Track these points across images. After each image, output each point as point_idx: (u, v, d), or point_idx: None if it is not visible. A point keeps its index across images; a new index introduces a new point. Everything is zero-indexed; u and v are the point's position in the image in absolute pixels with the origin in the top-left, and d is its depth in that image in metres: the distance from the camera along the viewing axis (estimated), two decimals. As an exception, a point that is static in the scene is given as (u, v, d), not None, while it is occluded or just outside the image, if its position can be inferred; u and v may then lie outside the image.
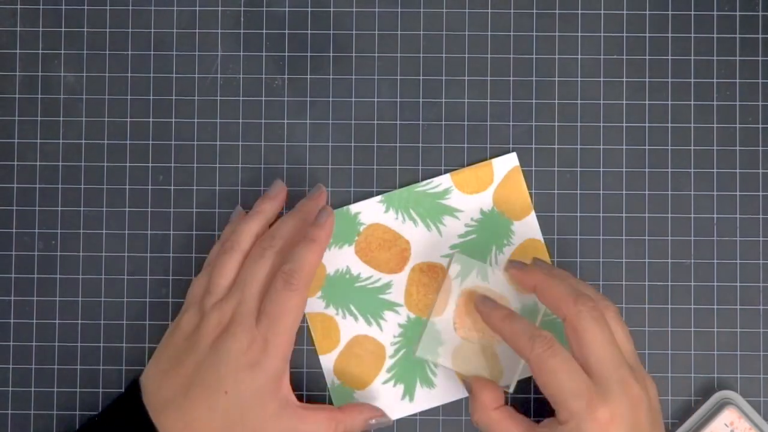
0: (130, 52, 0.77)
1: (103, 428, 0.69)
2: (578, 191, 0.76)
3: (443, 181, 0.76)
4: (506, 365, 0.73)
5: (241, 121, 0.77)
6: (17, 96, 0.77)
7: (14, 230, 0.77)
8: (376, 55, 0.77)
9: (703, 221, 0.76)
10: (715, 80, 0.77)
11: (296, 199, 0.76)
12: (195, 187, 0.77)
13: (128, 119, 0.77)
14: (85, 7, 0.77)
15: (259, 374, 0.68)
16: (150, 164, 0.77)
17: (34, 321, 0.76)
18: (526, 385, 0.75)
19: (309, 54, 0.77)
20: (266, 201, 0.74)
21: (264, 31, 0.77)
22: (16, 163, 0.77)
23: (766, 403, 0.75)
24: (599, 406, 0.64)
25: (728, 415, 0.73)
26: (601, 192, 0.76)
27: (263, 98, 0.77)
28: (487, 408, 0.69)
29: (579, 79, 0.77)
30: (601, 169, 0.77)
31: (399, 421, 0.76)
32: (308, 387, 0.76)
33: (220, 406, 0.67)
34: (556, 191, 0.77)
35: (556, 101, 0.77)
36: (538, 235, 0.76)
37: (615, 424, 0.64)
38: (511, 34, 0.77)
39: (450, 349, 0.72)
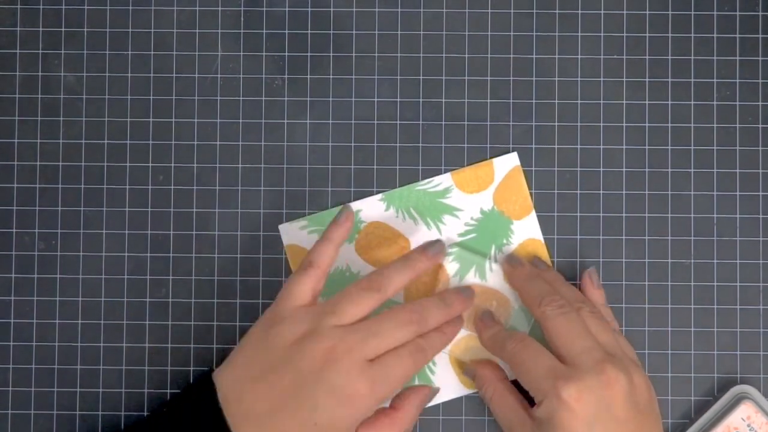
0: (130, 52, 0.77)
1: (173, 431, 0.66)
2: (578, 191, 0.76)
3: (444, 180, 0.76)
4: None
5: (241, 121, 0.77)
6: (17, 96, 0.77)
7: (14, 230, 0.77)
8: (376, 55, 0.77)
9: (703, 221, 0.76)
10: (715, 80, 0.77)
11: (297, 199, 0.76)
12: (195, 187, 0.77)
13: (128, 119, 0.77)
14: (85, 7, 0.77)
15: (355, 415, 0.65)
16: (150, 164, 0.77)
17: (34, 321, 0.76)
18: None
19: (309, 54, 0.77)
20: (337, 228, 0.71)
21: (264, 31, 0.77)
22: (16, 163, 0.77)
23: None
24: (566, 384, 0.65)
25: (745, 410, 0.73)
26: (601, 192, 0.76)
27: (263, 98, 0.77)
28: (492, 380, 0.72)
29: (579, 79, 0.77)
30: (601, 169, 0.77)
31: (399, 420, 0.76)
32: (308, 387, 0.76)
33: None
34: (556, 191, 0.77)
35: (556, 101, 0.77)
36: (538, 234, 0.76)
37: (582, 402, 0.64)
38: (511, 34, 0.77)
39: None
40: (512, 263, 0.74)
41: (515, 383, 0.71)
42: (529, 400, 0.69)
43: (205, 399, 0.66)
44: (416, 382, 0.75)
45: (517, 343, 0.68)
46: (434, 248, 0.71)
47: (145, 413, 0.76)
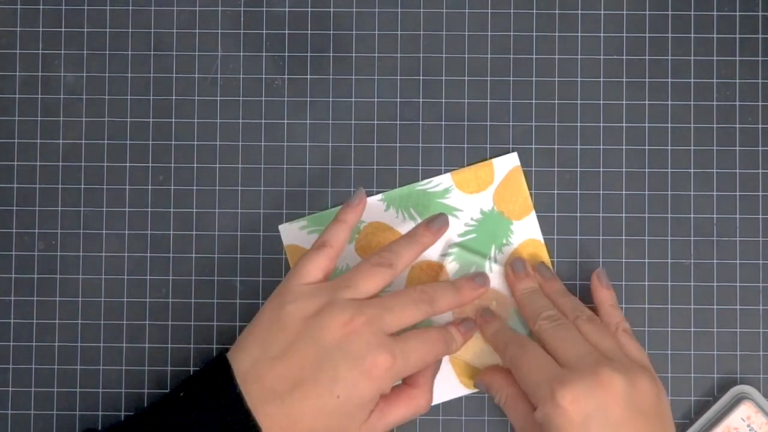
0: (130, 52, 0.77)
1: (193, 414, 0.65)
2: (578, 191, 0.76)
3: (443, 180, 0.76)
4: None
5: (241, 121, 0.77)
6: (17, 96, 0.77)
7: (14, 230, 0.77)
8: (376, 55, 0.77)
9: (703, 221, 0.76)
10: (714, 80, 0.77)
11: (297, 199, 0.76)
12: (195, 187, 0.77)
13: (128, 119, 0.77)
14: (85, 7, 0.77)
15: (376, 387, 0.65)
16: (150, 164, 0.77)
17: (34, 321, 0.76)
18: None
19: (309, 54, 0.77)
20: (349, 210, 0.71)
21: (264, 31, 0.77)
22: (16, 163, 0.77)
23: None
24: (559, 387, 0.65)
25: (745, 410, 0.73)
26: (601, 192, 0.76)
27: (263, 98, 0.77)
28: (505, 385, 0.71)
29: (579, 79, 0.77)
30: (601, 169, 0.77)
31: (399, 421, 0.76)
32: (308, 387, 0.76)
33: (328, 409, 0.64)
34: (556, 191, 0.77)
35: (556, 101, 0.77)
36: (538, 235, 0.76)
37: (576, 404, 0.64)
38: (511, 34, 0.77)
39: None
40: (515, 271, 0.74)
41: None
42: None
43: (223, 381, 0.65)
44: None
45: (518, 349, 0.69)
46: (438, 222, 0.71)
47: (145, 413, 0.76)
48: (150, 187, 0.77)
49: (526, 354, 0.68)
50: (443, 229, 0.71)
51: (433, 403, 0.75)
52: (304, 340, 0.65)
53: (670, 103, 0.77)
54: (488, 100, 0.77)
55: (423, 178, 0.77)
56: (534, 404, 0.67)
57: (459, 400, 0.76)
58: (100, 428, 0.75)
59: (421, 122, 0.77)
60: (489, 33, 0.77)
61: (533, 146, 0.77)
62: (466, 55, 0.77)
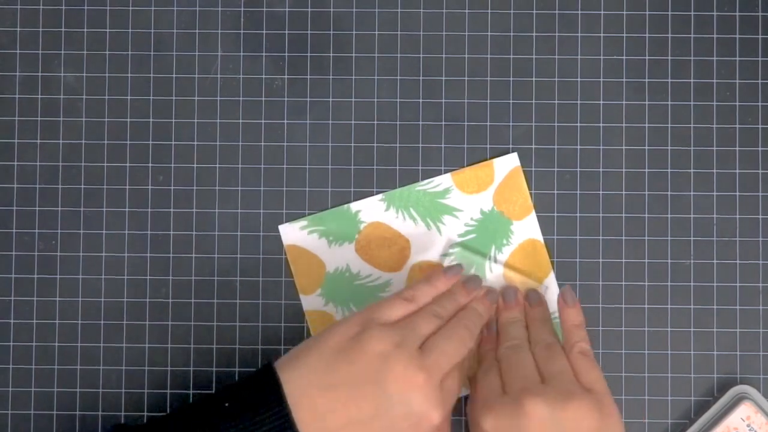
0: (130, 52, 0.77)
1: (239, 427, 0.65)
2: (578, 191, 0.77)
3: (443, 180, 0.76)
4: None
5: (241, 121, 0.77)
6: (17, 96, 0.77)
7: (14, 230, 0.77)
8: (376, 55, 0.77)
9: (703, 221, 0.76)
10: (714, 81, 0.77)
11: (297, 199, 0.76)
12: (195, 187, 0.77)
13: (128, 119, 0.77)
14: (85, 7, 0.77)
15: None
16: (150, 164, 0.77)
17: (34, 321, 0.76)
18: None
19: (309, 54, 0.77)
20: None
21: (264, 31, 0.77)
22: (16, 163, 0.77)
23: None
24: (484, 415, 0.67)
25: (745, 410, 0.73)
26: (601, 192, 0.76)
27: (263, 98, 0.77)
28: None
29: (579, 79, 0.77)
30: (601, 170, 0.77)
31: (399, 421, 0.76)
32: (308, 387, 0.76)
33: None
34: (555, 191, 0.77)
35: (556, 101, 0.77)
36: (537, 235, 0.76)
37: (497, 429, 0.66)
38: (511, 34, 0.77)
39: None
40: (506, 300, 0.74)
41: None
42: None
43: (273, 398, 0.65)
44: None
45: (480, 372, 0.71)
46: (472, 283, 0.73)
47: (145, 414, 0.76)
48: (150, 187, 0.77)
49: (485, 376, 0.70)
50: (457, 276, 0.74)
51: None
52: (370, 383, 0.66)
53: (670, 103, 0.77)
54: (488, 100, 0.77)
55: (423, 178, 0.77)
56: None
57: (459, 400, 0.76)
58: (130, 424, 0.74)
59: (421, 122, 0.77)
60: (489, 33, 0.77)
61: (533, 146, 0.77)
62: (466, 55, 0.77)
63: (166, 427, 0.67)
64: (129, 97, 0.77)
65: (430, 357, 0.67)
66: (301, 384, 0.65)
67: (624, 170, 0.77)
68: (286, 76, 0.77)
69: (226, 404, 0.65)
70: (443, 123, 0.77)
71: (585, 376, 0.69)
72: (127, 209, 0.77)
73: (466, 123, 0.77)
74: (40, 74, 0.77)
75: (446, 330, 0.69)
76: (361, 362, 0.66)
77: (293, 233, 0.77)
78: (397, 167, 0.77)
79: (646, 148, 0.77)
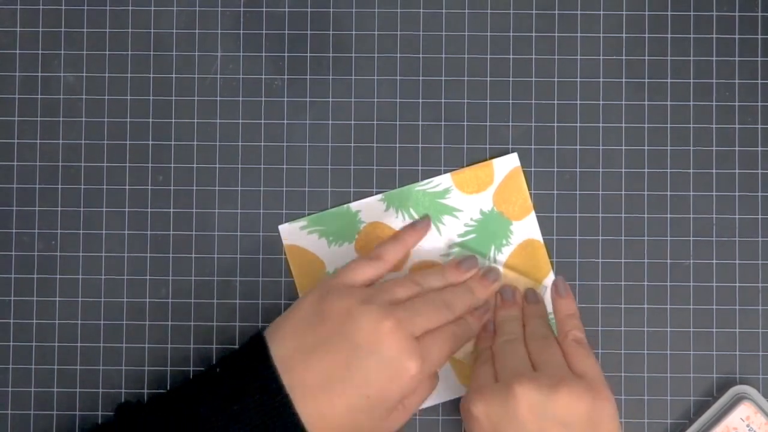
0: (130, 52, 0.77)
1: (236, 405, 0.66)
2: (578, 191, 0.77)
3: (443, 180, 0.76)
4: None
5: (241, 121, 0.77)
6: (17, 96, 0.77)
7: (14, 230, 0.77)
8: (376, 55, 0.77)
9: (703, 222, 0.77)
10: (714, 81, 0.77)
11: (296, 199, 0.76)
12: (195, 188, 0.77)
13: (128, 119, 0.77)
14: (85, 7, 0.77)
15: (404, 389, 0.67)
16: (150, 164, 0.77)
17: (34, 321, 0.76)
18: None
19: (309, 54, 0.77)
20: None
21: (264, 31, 0.77)
22: (16, 163, 0.77)
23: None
24: (476, 400, 0.67)
25: (744, 410, 0.73)
26: (600, 192, 0.77)
27: (263, 98, 0.77)
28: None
29: (578, 79, 0.77)
30: (601, 170, 0.77)
31: (399, 420, 0.76)
32: (308, 387, 0.76)
33: (357, 407, 0.66)
34: (555, 191, 0.77)
35: (556, 102, 0.77)
36: (537, 235, 0.76)
37: (487, 416, 0.66)
38: (511, 34, 0.77)
39: None
40: (504, 298, 0.74)
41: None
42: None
43: (262, 367, 0.67)
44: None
45: (477, 363, 0.71)
46: (467, 263, 0.74)
47: (145, 413, 0.76)
48: (150, 187, 0.77)
49: (477, 368, 0.70)
50: (426, 229, 0.75)
51: (432, 403, 0.75)
52: (338, 338, 0.67)
53: (669, 103, 0.77)
54: (488, 100, 0.77)
55: (423, 179, 0.77)
56: None
57: (459, 400, 0.76)
58: (134, 402, 0.75)
59: (420, 122, 0.77)
60: (489, 33, 0.77)
61: (533, 146, 0.77)
62: (466, 55, 0.77)
63: (166, 401, 0.68)
64: (129, 97, 0.77)
65: (400, 311, 0.67)
66: (282, 350, 0.67)
67: (624, 170, 0.77)
68: (286, 76, 0.77)
69: (218, 369, 0.68)
70: (443, 123, 0.77)
71: (578, 363, 0.69)
72: (127, 209, 0.77)
73: (466, 123, 0.77)
74: (40, 74, 0.77)
75: (426, 295, 0.70)
76: (329, 320, 0.67)
77: (293, 233, 0.77)
78: (397, 167, 0.77)
79: (646, 148, 0.77)
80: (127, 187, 0.77)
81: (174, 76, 0.77)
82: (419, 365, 0.67)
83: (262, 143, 0.77)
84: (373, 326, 0.66)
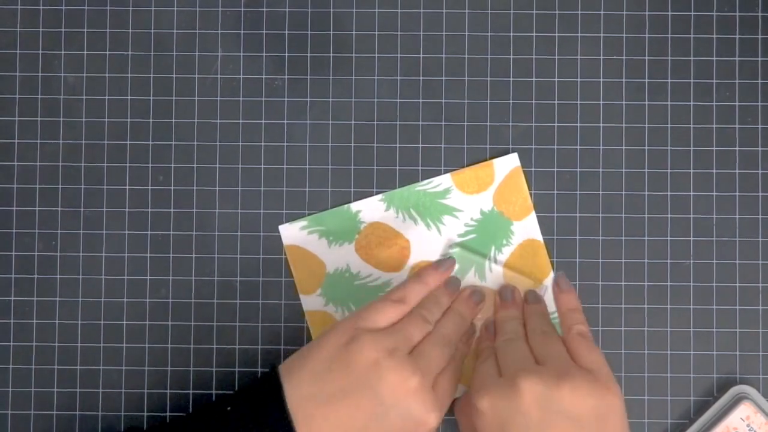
0: (130, 53, 0.77)
1: None
2: (578, 191, 0.77)
3: (443, 180, 0.76)
4: None
5: (241, 121, 0.77)
6: (17, 96, 0.77)
7: (14, 230, 0.77)
8: (376, 55, 0.77)
9: (703, 222, 0.76)
10: (714, 81, 0.77)
11: (297, 199, 0.76)
12: (195, 188, 0.77)
13: (128, 119, 0.77)
14: (85, 7, 0.78)
15: None
16: (150, 164, 0.77)
17: (34, 321, 0.76)
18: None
19: (309, 54, 0.77)
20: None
21: (264, 32, 0.77)
22: (16, 163, 0.77)
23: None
24: (481, 395, 0.67)
25: (744, 410, 0.73)
26: (601, 192, 0.77)
27: (263, 98, 0.77)
28: (465, 397, 0.73)
29: (579, 79, 0.77)
30: (601, 170, 0.77)
31: (399, 421, 0.76)
32: (308, 387, 0.76)
33: None
34: (555, 191, 0.77)
35: (556, 102, 0.77)
36: (537, 235, 0.76)
37: (493, 411, 0.66)
38: (511, 34, 0.77)
39: None
40: (503, 299, 0.75)
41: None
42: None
43: (275, 413, 0.65)
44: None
45: (479, 361, 0.71)
46: (453, 285, 0.74)
47: (145, 414, 0.76)
48: (150, 187, 0.77)
49: (479, 366, 0.70)
50: (450, 270, 0.75)
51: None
52: (362, 391, 0.66)
53: (669, 103, 0.77)
54: (488, 100, 0.77)
55: (423, 179, 0.77)
56: None
57: (458, 399, 0.76)
58: (144, 427, 0.75)
59: (421, 122, 0.77)
60: (489, 33, 0.77)
61: (533, 146, 0.77)
62: (466, 56, 0.77)
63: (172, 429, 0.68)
64: (129, 97, 0.77)
65: (421, 361, 0.67)
66: (297, 395, 0.66)
67: (624, 170, 0.77)
68: (286, 76, 0.77)
69: (228, 408, 0.66)
70: (443, 123, 0.77)
71: (584, 357, 0.68)
72: (127, 209, 0.77)
73: (466, 123, 0.77)
74: (40, 74, 0.77)
75: (433, 336, 0.69)
76: (354, 371, 0.66)
77: (293, 233, 0.77)
78: (397, 167, 0.77)
79: (646, 148, 0.77)
80: (127, 187, 0.77)
81: (174, 76, 0.77)
82: (438, 416, 0.67)
83: (262, 143, 0.77)
84: (400, 382, 0.66)
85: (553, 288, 0.74)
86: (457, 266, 0.75)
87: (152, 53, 0.77)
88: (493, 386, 0.67)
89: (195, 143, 0.77)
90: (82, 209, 0.77)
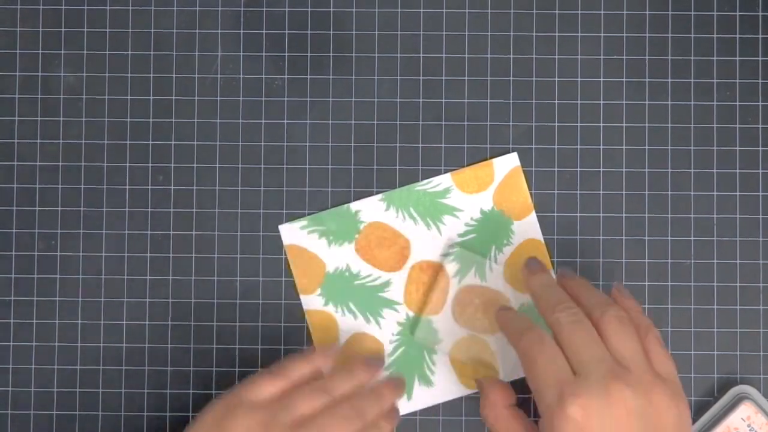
0: (130, 52, 0.77)
1: None
2: (578, 191, 0.77)
3: (443, 180, 0.76)
4: (503, 361, 0.73)
5: (241, 121, 0.77)
6: (17, 96, 0.77)
7: (14, 230, 0.77)
8: (376, 55, 0.77)
9: (703, 221, 0.76)
10: (714, 80, 0.77)
11: (297, 199, 0.76)
12: (195, 187, 0.77)
13: (128, 119, 0.77)
14: (85, 7, 0.78)
15: None
16: (150, 164, 0.77)
17: (34, 321, 0.76)
18: (527, 385, 0.75)
19: (309, 54, 0.77)
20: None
21: (264, 31, 0.77)
22: (16, 163, 0.77)
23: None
24: (572, 400, 0.62)
25: (745, 410, 0.73)
26: (601, 192, 0.76)
27: (263, 98, 0.77)
28: (497, 405, 0.69)
29: (579, 79, 0.77)
30: (601, 169, 0.77)
31: (399, 421, 0.76)
32: (308, 387, 0.76)
33: None
34: (556, 191, 0.77)
35: (556, 101, 0.77)
36: (538, 235, 0.76)
37: (588, 421, 0.62)
38: (511, 34, 0.77)
39: (449, 341, 0.73)
40: (531, 268, 0.71)
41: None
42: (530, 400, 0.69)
43: None
44: (416, 382, 0.76)
45: (534, 343, 0.65)
46: (374, 362, 0.72)
47: (145, 414, 0.76)
48: (150, 187, 0.77)
49: (543, 349, 0.65)
50: (380, 368, 0.72)
51: (433, 403, 0.75)
52: None
53: (670, 103, 0.77)
54: (488, 100, 0.77)
55: (423, 178, 0.77)
56: (538, 406, 0.64)
57: (459, 400, 0.76)
58: None
59: (421, 122, 0.77)
60: (489, 33, 0.77)
61: (533, 146, 0.77)
62: (466, 55, 0.77)
63: None
64: (129, 97, 0.77)
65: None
66: None
67: (624, 170, 0.77)
68: (286, 76, 0.77)
69: None
70: (443, 123, 0.77)
71: (662, 363, 0.65)
72: (127, 209, 0.77)
73: (466, 123, 0.77)
74: (40, 74, 0.77)
75: (331, 407, 0.67)
76: None
77: (293, 233, 0.77)
78: (397, 167, 0.77)
79: (646, 148, 0.77)
80: (127, 187, 0.77)
81: (174, 76, 0.77)
82: None
83: (262, 143, 0.77)
84: None
85: (613, 295, 0.69)
86: (457, 266, 0.75)
87: (152, 53, 0.77)
88: (582, 390, 0.62)
89: (195, 143, 0.77)
90: (82, 209, 0.77)
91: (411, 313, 0.76)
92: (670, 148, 0.77)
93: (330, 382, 0.68)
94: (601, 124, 0.77)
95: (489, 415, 0.69)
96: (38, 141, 0.77)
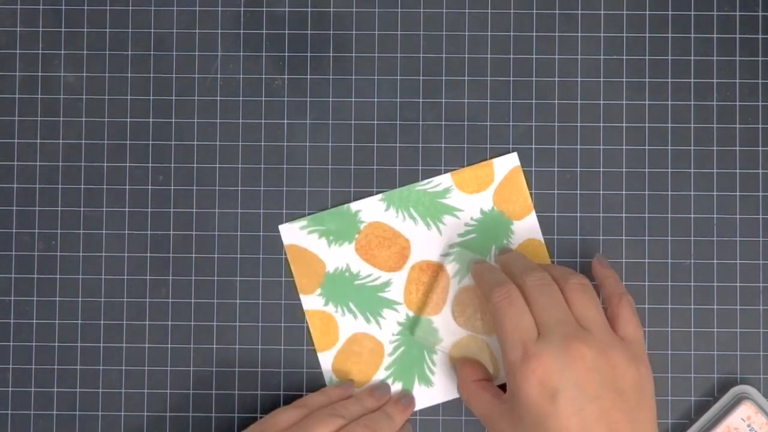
0: (130, 52, 0.77)
1: None
2: (578, 191, 0.76)
3: (443, 180, 0.76)
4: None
5: (241, 121, 0.77)
6: (17, 96, 0.77)
7: (14, 230, 0.77)
8: (376, 55, 0.77)
9: (703, 221, 0.76)
10: (714, 80, 0.77)
11: (297, 199, 0.76)
12: (195, 187, 0.77)
13: (128, 119, 0.77)
14: (85, 7, 0.78)
15: None
16: (150, 164, 0.77)
17: (34, 321, 0.76)
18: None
19: (309, 54, 0.77)
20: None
21: (264, 31, 0.77)
22: (16, 163, 0.77)
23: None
24: (532, 359, 0.65)
25: (745, 410, 0.73)
26: (601, 192, 0.76)
27: (263, 98, 0.77)
28: (466, 381, 0.72)
29: (579, 79, 0.77)
30: (601, 169, 0.77)
31: (399, 421, 0.76)
32: (307, 386, 0.76)
33: None
34: (556, 191, 0.77)
35: (556, 101, 0.77)
36: (538, 235, 0.76)
37: (547, 380, 0.64)
38: (511, 34, 0.77)
39: (449, 341, 0.73)
40: (503, 251, 0.75)
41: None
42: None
43: None
44: (416, 382, 0.76)
45: (503, 298, 0.68)
46: (380, 390, 0.75)
47: (145, 414, 0.76)
48: (150, 187, 0.77)
49: (510, 306, 0.68)
50: (385, 396, 0.75)
51: (433, 403, 0.75)
52: None
53: (670, 103, 0.77)
54: (488, 100, 0.77)
55: (423, 178, 0.77)
56: (504, 360, 0.67)
57: (459, 399, 0.76)
58: None
59: (421, 122, 0.77)
60: (489, 33, 0.77)
61: (533, 146, 0.77)
62: (466, 55, 0.77)
63: None
64: (129, 97, 0.77)
65: None
66: None
67: (624, 170, 0.77)
68: (286, 76, 0.77)
69: None
70: (443, 123, 0.77)
71: (628, 327, 0.68)
72: (127, 209, 0.77)
73: (466, 123, 0.77)
74: (40, 74, 0.77)
75: (350, 426, 0.69)
76: None
77: (293, 233, 0.77)
78: (397, 167, 0.77)
79: (646, 148, 0.77)
80: (127, 187, 0.77)
81: (174, 76, 0.77)
82: None
83: (262, 143, 0.77)
84: None
85: (594, 266, 0.73)
86: (457, 266, 0.75)
87: (152, 53, 0.77)
88: (544, 350, 0.65)
89: (195, 143, 0.77)
90: (82, 209, 0.77)
91: (411, 313, 0.76)
92: (670, 148, 0.77)
93: (343, 407, 0.71)
94: (601, 124, 0.77)
95: (462, 392, 0.73)
96: (38, 141, 0.77)
